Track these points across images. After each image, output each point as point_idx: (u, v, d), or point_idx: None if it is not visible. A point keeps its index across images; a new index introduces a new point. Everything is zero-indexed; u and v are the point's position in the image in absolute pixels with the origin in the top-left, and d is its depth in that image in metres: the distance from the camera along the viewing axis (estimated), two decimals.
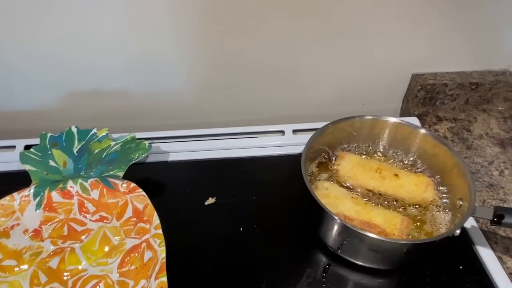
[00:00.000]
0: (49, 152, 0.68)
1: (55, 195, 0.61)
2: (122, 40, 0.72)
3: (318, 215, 0.57)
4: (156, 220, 0.56)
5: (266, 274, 0.57)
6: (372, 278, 0.58)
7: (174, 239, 0.59)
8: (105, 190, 0.61)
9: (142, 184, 0.61)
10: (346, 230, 0.54)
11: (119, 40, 0.72)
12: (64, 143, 0.69)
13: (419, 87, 0.82)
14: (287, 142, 0.78)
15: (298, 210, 0.66)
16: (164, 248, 0.52)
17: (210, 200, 0.67)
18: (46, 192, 0.61)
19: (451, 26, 0.78)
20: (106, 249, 0.58)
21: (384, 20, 0.75)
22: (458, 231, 0.53)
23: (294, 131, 0.80)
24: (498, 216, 0.52)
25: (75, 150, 0.68)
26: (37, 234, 0.59)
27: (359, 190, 0.65)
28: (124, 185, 0.61)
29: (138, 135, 0.75)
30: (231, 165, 0.74)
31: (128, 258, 0.56)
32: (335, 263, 0.59)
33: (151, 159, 0.74)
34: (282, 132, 0.80)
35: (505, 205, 0.67)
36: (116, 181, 0.61)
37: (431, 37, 0.79)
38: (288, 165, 0.69)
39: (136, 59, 0.75)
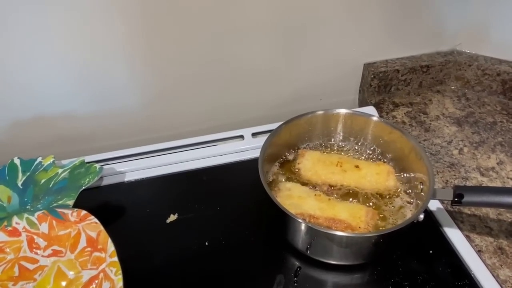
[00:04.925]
0: None
1: (0, 234, 0.57)
2: (65, 60, 0.68)
3: (282, 218, 0.55)
4: (110, 247, 0.52)
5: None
6: (344, 275, 0.56)
7: (137, 264, 0.58)
8: (54, 222, 0.57)
9: (98, 209, 0.58)
10: (310, 230, 0.52)
11: (62, 59, 0.68)
12: (7, 177, 0.64)
13: (372, 76, 0.83)
14: (247, 147, 0.76)
15: (264, 216, 0.64)
16: (120, 276, 0.49)
17: (172, 217, 0.64)
18: None
19: (395, 13, 0.78)
20: (63, 284, 0.55)
21: (331, 15, 0.75)
22: (421, 216, 0.52)
23: (253, 134, 0.78)
24: (458, 196, 0.52)
25: (19, 183, 0.64)
26: None
27: (323, 186, 0.63)
28: (75, 213, 0.57)
29: (89, 158, 0.71)
30: (191, 178, 0.72)
31: None
32: (306, 265, 0.57)
33: (106, 181, 0.71)
34: (242, 137, 0.78)
35: (467, 183, 0.68)
36: (66, 211, 0.57)
37: (378, 26, 0.79)
38: (250, 170, 0.66)
39: (82, 79, 0.71)
